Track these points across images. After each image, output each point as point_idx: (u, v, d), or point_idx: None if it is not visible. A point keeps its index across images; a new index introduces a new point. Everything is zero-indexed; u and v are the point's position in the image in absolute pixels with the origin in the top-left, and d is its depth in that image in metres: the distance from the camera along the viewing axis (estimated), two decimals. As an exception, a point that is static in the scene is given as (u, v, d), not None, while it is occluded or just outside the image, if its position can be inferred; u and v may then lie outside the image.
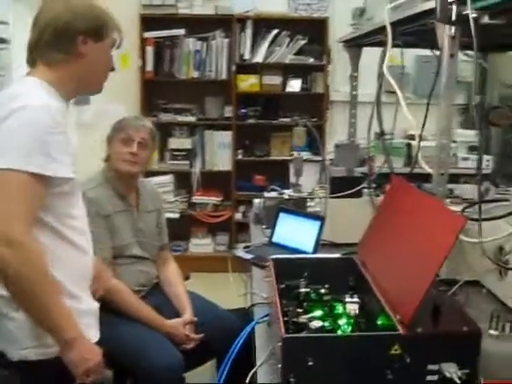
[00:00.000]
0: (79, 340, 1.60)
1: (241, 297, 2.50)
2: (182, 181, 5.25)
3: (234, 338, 1.89)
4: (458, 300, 1.99)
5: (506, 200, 2.24)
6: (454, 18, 1.57)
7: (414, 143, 4.85)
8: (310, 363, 1.31)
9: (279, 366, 1.35)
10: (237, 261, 2.78)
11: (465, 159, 4.94)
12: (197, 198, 5.27)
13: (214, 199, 5.32)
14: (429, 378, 1.37)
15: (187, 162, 5.27)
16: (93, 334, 1.75)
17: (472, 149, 4.70)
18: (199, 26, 5.12)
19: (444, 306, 1.52)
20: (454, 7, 1.57)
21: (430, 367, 1.37)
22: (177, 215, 5.12)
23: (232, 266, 2.72)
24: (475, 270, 2.15)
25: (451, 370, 1.36)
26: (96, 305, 1.82)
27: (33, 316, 1.57)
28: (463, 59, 4.38)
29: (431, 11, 1.69)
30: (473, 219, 2.12)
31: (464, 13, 1.53)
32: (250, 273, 2.45)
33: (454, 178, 3.02)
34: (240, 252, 2.67)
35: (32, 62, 1.69)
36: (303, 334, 1.44)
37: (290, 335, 1.37)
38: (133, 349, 2.36)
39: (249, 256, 2.56)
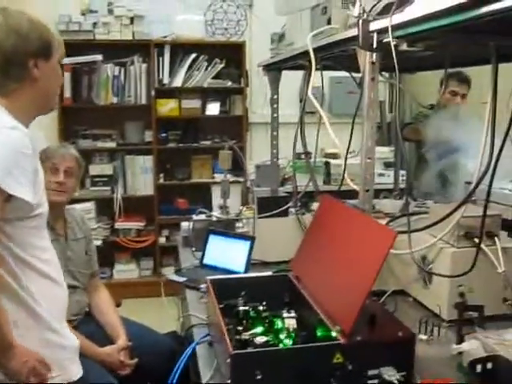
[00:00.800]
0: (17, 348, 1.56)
1: (172, 321, 2.51)
2: (104, 207, 5.19)
3: (169, 362, 1.92)
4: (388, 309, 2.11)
5: (426, 213, 2.38)
6: (375, 45, 1.68)
7: (333, 162, 5.04)
8: (259, 377, 1.37)
9: (228, 381, 1.39)
10: (168, 285, 2.79)
11: (381, 175, 5.16)
12: (119, 224, 5.23)
13: (137, 224, 5.29)
14: (370, 382, 1.45)
15: (108, 188, 5.23)
16: (76, 370, 1.75)
17: (387, 165, 4.90)
18: (117, 51, 5.11)
19: (378, 314, 1.61)
20: (375, 35, 1.68)
21: (371, 372, 1.45)
22: (100, 242, 5.04)
23: (160, 290, 2.72)
24: (401, 280, 2.28)
25: (390, 373, 1.45)
26: (76, 340, 1.80)
27: None
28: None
29: (353, 38, 1.80)
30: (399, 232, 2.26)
31: (385, 41, 1.64)
32: (183, 295, 2.47)
33: (378, 194, 3.17)
34: (172, 276, 2.68)
35: None
36: (251, 350, 1.49)
37: (238, 351, 1.42)
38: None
39: (182, 279, 2.57)
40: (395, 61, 1.58)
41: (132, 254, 5.39)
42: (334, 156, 5.06)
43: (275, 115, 3.29)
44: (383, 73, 3.18)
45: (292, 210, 2.83)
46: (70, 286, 2.56)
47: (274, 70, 3.21)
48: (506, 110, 1.70)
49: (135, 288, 5.00)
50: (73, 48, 4.89)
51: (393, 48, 1.57)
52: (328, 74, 4.80)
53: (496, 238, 2.04)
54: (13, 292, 1.57)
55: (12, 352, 1.53)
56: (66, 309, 1.78)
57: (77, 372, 1.74)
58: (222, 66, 5.24)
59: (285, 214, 2.81)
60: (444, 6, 1.32)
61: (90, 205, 5.03)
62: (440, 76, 3.43)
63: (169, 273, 3.38)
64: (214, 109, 5.34)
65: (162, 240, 5.37)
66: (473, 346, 1.64)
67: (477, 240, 2.01)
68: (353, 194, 2.09)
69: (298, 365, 1.40)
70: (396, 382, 1.43)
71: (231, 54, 5.28)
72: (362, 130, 1.92)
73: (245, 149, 5.27)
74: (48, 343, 1.65)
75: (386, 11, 1.64)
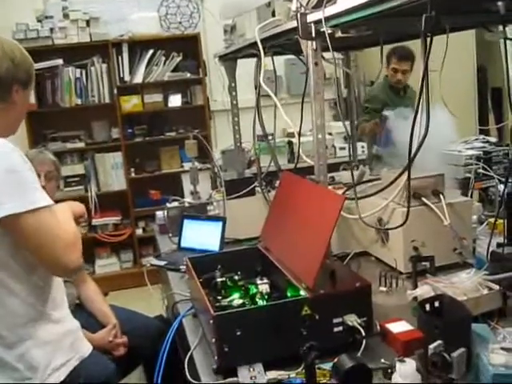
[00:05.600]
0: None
1: (157, 307, 2.67)
2: (80, 205, 5.32)
3: (158, 342, 2.09)
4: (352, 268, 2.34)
5: (378, 179, 2.59)
6: (313, 34, 1.88)
7: (295, 140, 5.24)
8: (238, 333, 1.58)
9: (213, 340, 1.60)
10: (149, 273, 2.96)
11: (342, 148, 5.40)
12: (97, 221, 5.37)
13: (113, 219, 5.45)
14: (335, 329, 1.66)
15: (82, 187, 5.38)
16: (86, 346, 1.94)
17: (347, 138, 5.13)
18: (76, 54, 5.23)
19: (338, 271, 1.83)
20: (313, 26, 1.89)
21: (335, 320, 1.66)
22: (79, 239, 5.18)
23: (142, 280, 2.90)
24: (363, 242, 2.50)
25: (352, 319, 1.66)
26: (77, 322, 1.98)
27: None
28: (328, 57, 4.82)
29: (294, 29, 2.00)
30: (352, 199, 2.49)
31: (321, 30, 1.84)
32: (165, 278, 2.66)
33: (335, 167, 3.38)
34: (153, 260, 2.87)
35: None
36: (230, 311, 1.70)
37: (219, 313, 1.63)
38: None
39: (162, 263, 2.77)
40: (330, 47, 1.79)
41: (111, 248, 5.55)
42: (294, 135, 5.26)
43: (234, 102, 3.47)
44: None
45: (258, 189, 3.04)
46: (62, 281, 2.78)
47: (229, 59, 3.37)
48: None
49: (118, 280, 5.17)
50: (33, 55, 4.87)
51: (327, 36, 1.78)
52: (283, 56, 5.00)
53: (441, 196, 2.27)
54: (22, 292, 1.72)
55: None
56: (65, 295, 1.95)
57: (87, 348, 1.94)
58: (180, 58, 5.40)
59: (252, 193, 3.01)
60: (365, -1, 1.53)
61: (66, 205, 5.16)
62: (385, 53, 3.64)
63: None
64: (176, 101, 5.50)
65: (139, 232, 5.54)
66: (425, 291, 1.88)
67: (424, 199, 2.25)
68: (312, 170, 2.28)
69: (272, 320, 1.61)
70: (358, 326, 1.65)
71: (187, 47, 5.44)
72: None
73: (209, 136, 5.45)
74: (58, 334, 1.81)
75: (321, 3, 1.84)
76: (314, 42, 1.93)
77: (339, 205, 1.64)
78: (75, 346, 1.85)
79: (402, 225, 2.11)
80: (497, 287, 1.83)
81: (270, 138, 3.18)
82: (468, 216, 2.35)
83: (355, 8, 1.60)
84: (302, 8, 1.90)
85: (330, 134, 5.48)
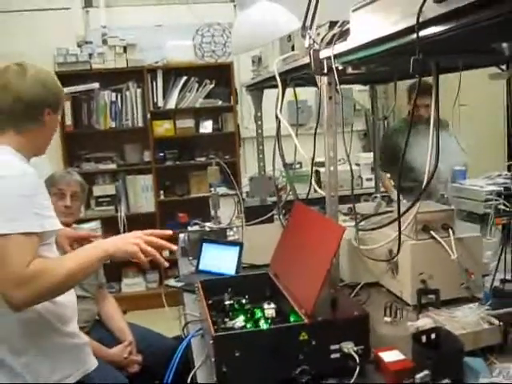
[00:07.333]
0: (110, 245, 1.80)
1: (177, 328, 2.72)
2: (109, 225, 5.40)
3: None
4: (361, 298, 2.38)
5: (390, 212, 2.64)
6: (325, 70, 1.96)
7: (322, 170, 5.29)
8: (237, 354, 1.64)
9: (213, 359, 1.67)
10: (171, 295, 3.04)
11: (369, 179, 5.41)
12: (125, 241, 5.45)
13: (141, 240, 5.52)
14: (332, 355, 1.71)
15: (112, 207, 5.52)
16: (92, 361, 2.01)
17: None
18: (113, 78, 5.41)
19: (340, 299, 1.88)
20: (325, 61, 1.96)
21: (333, 347, 1.70)
22: (107, 258, 5.29)
23: (167, 301, 2.98)
24: (374, 272, 2.54)
25: (349, 346, 1.71)
26: (86, 338, 2.06)
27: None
28: (360, 89, 4.87)
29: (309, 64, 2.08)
30: (365, 230, 2.54)
31: (334, 66, 1.92)
32: (181, 299, 2.74)
33: (359, 197, 3.42)
34: (171, 282, 2.95)
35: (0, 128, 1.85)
36: (230, 332, 1.77)
37: (219, 333, 1.69)
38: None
39: (179, 284, 2.85)
40: (337, 83, 1.87)
41: (138, 268, 5.65)
42: (323, 164, 5.31)
43: (259, 131, 3.55)
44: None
45: (277, 216, 3.11)
46: (80, 297, 2.87)
47: (255, 89, 3.47)
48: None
49: (143, 300, 5.25)
50: (71, 78, 5.20)
51: (335, 73, 1.86)
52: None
53: (450, 230, 2.31)
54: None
55: (114, 247, 1.79)
56: (76, 311, 2.04)
57: (93, 363, 2.01)
58: (212, 86, 5.54)
59: (271, 220, 3.08)
60: (370, 38, 1.60)
61: (96, 224, 5.30)
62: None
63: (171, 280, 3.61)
64: (207, 127, 5.63)
65: (166, 253, 5.61)
66: (425, 322, 1.92)
67: (433, 232, 2.29)
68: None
69: (270, 343, 1.66)
70: (354, 354, 1.70)
71: (220, 75, 5.57)
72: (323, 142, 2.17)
73: (238, 163, 5.56)
74: (63, 347, 1.89)
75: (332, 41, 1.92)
76: (326, 78, 2.00)
77: (339, 235, 1.70)
78: (80, 361, 1.93)
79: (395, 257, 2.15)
80: (497, 322, 1.86)
81: (296, 166, 3.23)
82: (478, 251, 2.37)
83: (362, 46, 1.67)
84: (315, 44, 1.98)
85: (358, 164, 5.53)
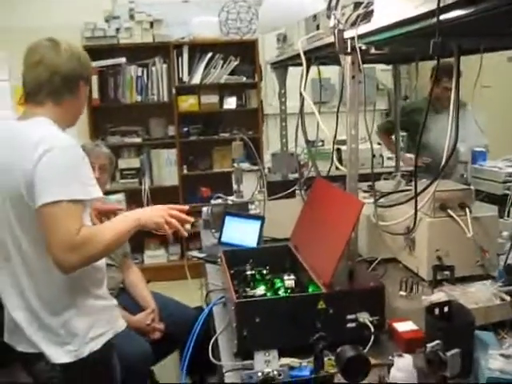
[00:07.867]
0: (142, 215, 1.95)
1: (198, 299, 2.81)
2: (133, 197, 5.49)
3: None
4: (378, 273, 2.45)
5: (409, 190, 2.69)
6: (349, 50, 2.01)
7: (343, 147, 5.33)
8: (258, 320, 1.73)
9: (234, 325, 1.76)
10: (192, 266, 3.13)
11: (389, 158, 5.45)
12: (148, 213, 5.55)
13: (164, 213, 5.62)
14: (348, 325, 1.79)
15: (137, 180, 5.63)
16: (121, 322, 2.11)
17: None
18: (139, 53, 5.49)
19: (358, 272, 1.95)
20: (349, 41, 2.01)
21: (349, 317, 1.79)
22: (130, 230, 5.40)
23: (189, 273, 3.07)
24: (392, 248, 2.61)
25: (365, 317, 1.79)
26: (114, 301, 2.15)
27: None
28: (383, 68, 4.89)
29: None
30: (385, 206, 2.60)
31: (357, 46, 1.96)
32: (204, 270, 2.82)
33: (380, 176, 3.47)
34: (194, 253, 3.05)
35: (38, 101, 1.91)
36: (250, 299, 1.86)
37: (240, 300, 1.79)
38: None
39: (202, 255, 2.93)
40: (360, 62, 1.92)
41: (160, 240, 5.74)
42: (344, 142, 5.34)
43: (283, 108, 3.60)
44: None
45: (298, 192, 3.18)
46: (107, 264, 2.95)
47: (280, 67, 3.51)
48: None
49: (165, 272, 5.34)
50: (98, 52, 5.28)
51: (358, 53, 1.91)
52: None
53: (467, 209, 2.36)
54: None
55: (144, 217, 1.93)
56: (106, 276, 2.13)
57: (122, 324, 2.11)
58: (237, 63, 5.59)
59: (292, 196, 3.16)
60: (393, 20, 1.64)
61: (121, 196, 5.40)
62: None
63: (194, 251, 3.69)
64: (231, 103, 5.70)
65: (188, 226, 5.70)
66: (439, 297, 1.98)
67: (450, 211, 2.35)
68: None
69: (289, 311, 1.75)
70: (369, 323, 1.78)
71: (245, 52, 5.62)
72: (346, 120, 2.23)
73: (261, 139, 5.62)
74: (98, 308, 1.99)
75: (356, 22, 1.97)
76: (350, 57, 2.05)
77: (358, 209, 1.77)
78: (111, 321, 2.03)
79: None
80: (509, 298, 1.92)
81: (319, 143, 3.27)
82: (494, 230, 2.42)
83: (385, 28, 1.72)
84: (340, 25, 2.03)
85: (379, 143, 5.56)
